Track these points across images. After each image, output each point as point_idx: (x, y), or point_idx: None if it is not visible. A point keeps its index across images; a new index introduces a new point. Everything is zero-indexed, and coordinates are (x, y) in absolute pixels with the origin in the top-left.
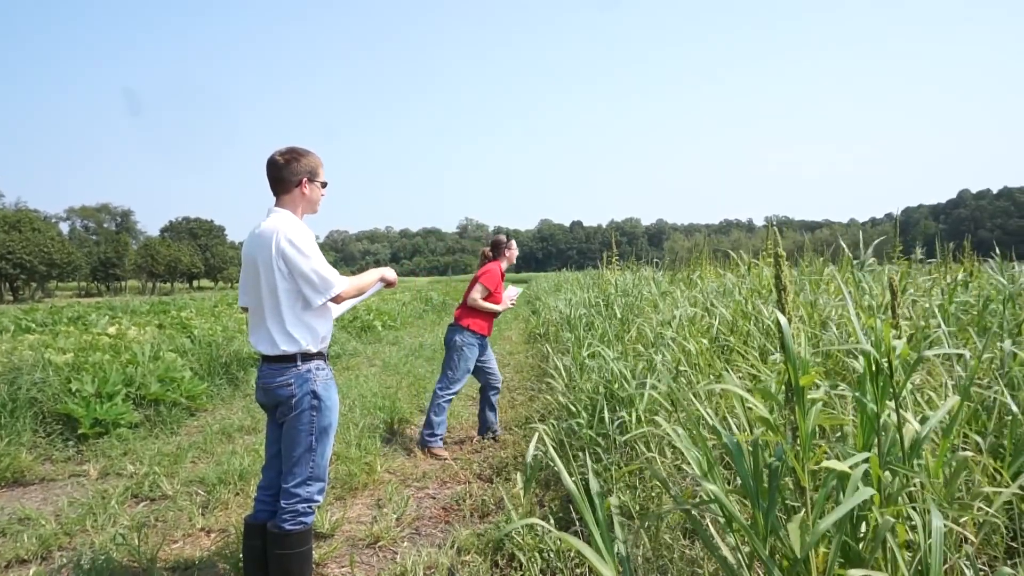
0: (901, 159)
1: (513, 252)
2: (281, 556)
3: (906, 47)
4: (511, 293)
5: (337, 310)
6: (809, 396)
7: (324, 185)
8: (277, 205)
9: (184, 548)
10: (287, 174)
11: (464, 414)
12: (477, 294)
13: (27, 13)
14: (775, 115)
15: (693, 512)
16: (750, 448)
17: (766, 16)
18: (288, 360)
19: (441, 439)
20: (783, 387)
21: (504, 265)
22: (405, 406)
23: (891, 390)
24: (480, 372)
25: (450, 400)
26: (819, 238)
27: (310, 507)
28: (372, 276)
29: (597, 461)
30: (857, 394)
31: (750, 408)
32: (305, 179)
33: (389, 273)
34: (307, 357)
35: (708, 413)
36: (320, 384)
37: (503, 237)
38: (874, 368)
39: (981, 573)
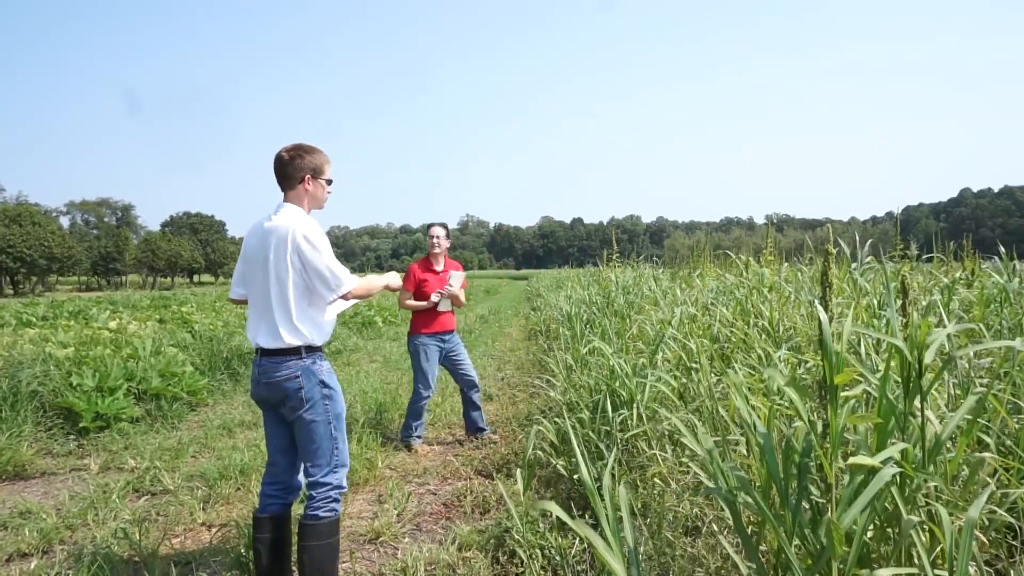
0: (902, 157)
1: (431, 239)
2: (314, 547)
3: (907, 46)
4: (453, 279)
5: (341, 307)
6: (842, 394)
7: (329, 183)
8: (285, 200)
9: (185, 542)
10: (291, 170)
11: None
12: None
13: (29, 8)
14: (776, 114)
15: (732, 500)
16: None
17: (768, 12)
18: (292, 353)
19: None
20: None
21: (439, 258)
22: (406, 402)
23: (920, 390)
24: (453, 372)
25: (423, 405)
26: (820, 236)
27: (340, 493)
28: (380, 281)
29: (600, 458)
30: (887, 395)
31: (755, 407)
32: (308, 176)
33: (394, 281)
34: (311, 349)
35: (726, 407)
36: (326, 374)
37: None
38: (906, 366)
39: (985, 572)
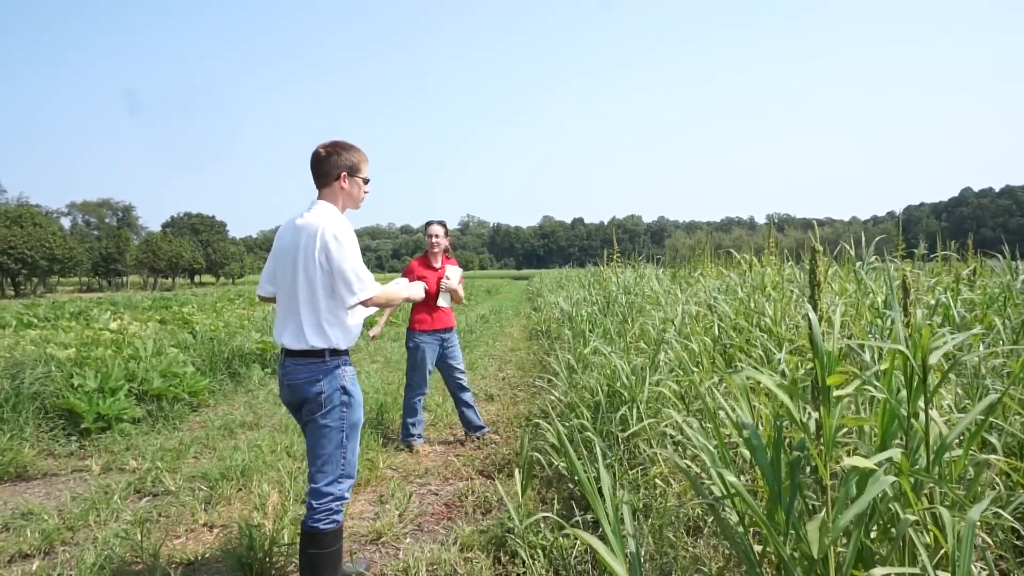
0: (904, 157)
1: (430, 239)
2: (315, 555)
3: (907, 46)
4: (451, 273)
5: (363, 312)
6: (835, 395)
7: (366, 182)
8: (319, 198)
9: (187, 543)
10: (327, 167)
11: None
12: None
13: (29, 9)
14: (776, 114)
15: (717, 508)
16: (767, 444)
17: (768, 12)
18: (316, 355)
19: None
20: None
21: (437, 256)
22: None
23: (924, 393)
24: (446, 372)
25: (417, 401)
26: (821, 236)
27: (341, 504)
28: (404, 292)
29: (603, 458)
30: (890, 397)
31: (755, 407)
32: (344, 173)
33: (417, 293)
34: (335, 353)
35: (726, 406)
36: (348, 380)
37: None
38: (909, 370)
39: (987, 572)
